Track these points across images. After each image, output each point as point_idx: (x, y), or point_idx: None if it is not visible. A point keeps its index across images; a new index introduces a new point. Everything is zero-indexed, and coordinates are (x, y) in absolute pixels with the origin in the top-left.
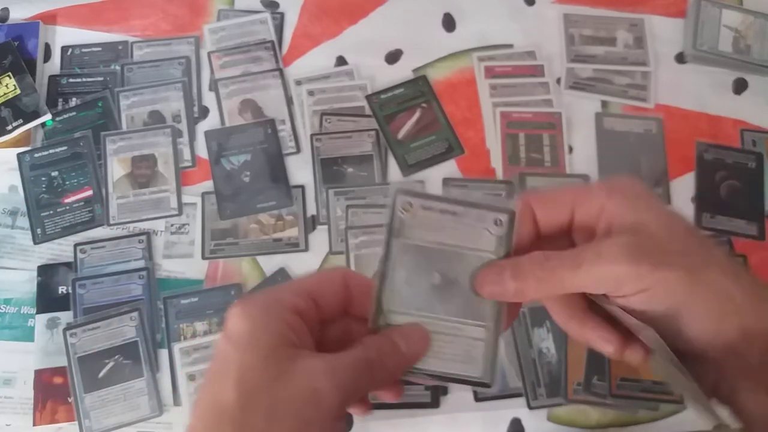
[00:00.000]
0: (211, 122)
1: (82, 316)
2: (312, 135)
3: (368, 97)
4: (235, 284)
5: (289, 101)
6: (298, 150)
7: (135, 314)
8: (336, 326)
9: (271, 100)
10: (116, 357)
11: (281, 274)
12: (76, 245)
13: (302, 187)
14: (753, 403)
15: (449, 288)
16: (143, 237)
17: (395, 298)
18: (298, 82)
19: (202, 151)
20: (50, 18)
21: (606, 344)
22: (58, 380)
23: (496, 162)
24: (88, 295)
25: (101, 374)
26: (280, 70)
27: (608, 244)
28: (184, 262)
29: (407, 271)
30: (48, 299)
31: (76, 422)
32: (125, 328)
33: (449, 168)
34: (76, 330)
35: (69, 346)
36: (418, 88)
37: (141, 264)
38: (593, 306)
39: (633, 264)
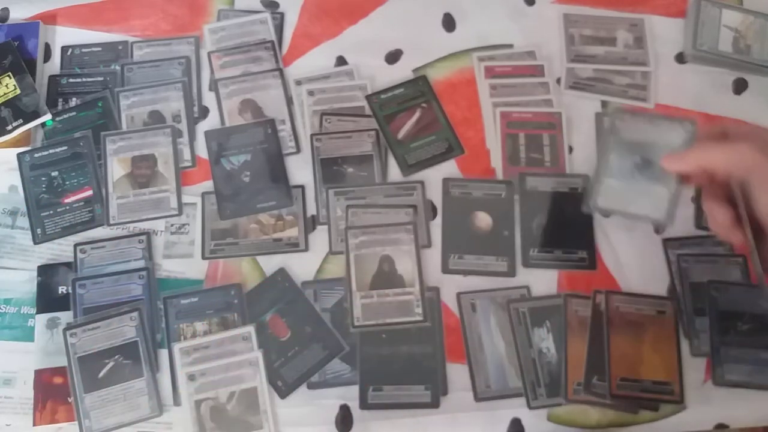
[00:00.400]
0: (211, 122)
1: (82, 316)
2: (312, 135)
3: (368, 97)
4: (235, 284)
5: (289, 101)
6: (298, 150)
7: (135, 314)
8: None
9: (271, 100)
10: (116, 357)
11: (281, 274)
12: (76, 245)
13: (302, 187)
14: None
15: (646, 165)
16: (143, 237)
17: (610, 169)
18: (298, 82)
19: (202, 151)
20: (50, 18)
21: (722, 214)
22: (58, 380)
23: (496, 162)
24: (88, 295)
25: (101, 374)
26: (280, 70)
27: (742, 142)
28: (184, 262)
29: (618, 155)
30: (48, 299)
31: (76, 422)
32: (125, 328)
33: (449, 168)
34: (76, 330)
35: (69, 346)
36: (418, 88)
37: (141, 264)
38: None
39: (759, 152)
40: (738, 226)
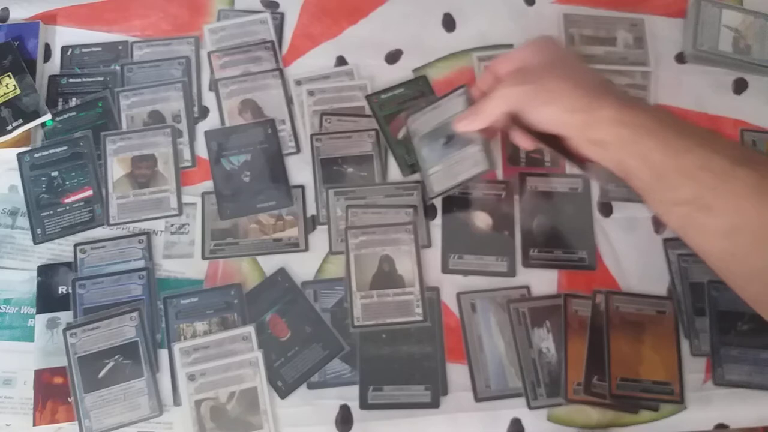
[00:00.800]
0: (211, 122)
1: (82, 316)
2: (312, 135)
3: (368, 97)
4: (235, 284)
5: (289, 101)
6: (298, 150)
7: (135, 314)
8: None
9: (271, 100)
10: (116, 357)
11: (281, 274)
12: (76, 245)
13: (302, 187)
14: (586, 152)
15: (450, 141)
16: (143, 237)
17: (427, 161)
18: (298, 82)
19: (202, 151)
20: (50, 18)
21: (525, 143)
22: (58, 380)
23: (497, 162)
24: (88, 295)
25: (101, 374)
26: (280, 70)
27: (506, 79)
28: (184, 262)
29: (428, 147)
30: (48, 299)
31: (76, 422)
32: (125, 328)
33: None
34: (76, 330)
35: (69, 346)
36: (419, 88)
37: (141, 264)
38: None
39: (510, 87)
40: (538, 142)
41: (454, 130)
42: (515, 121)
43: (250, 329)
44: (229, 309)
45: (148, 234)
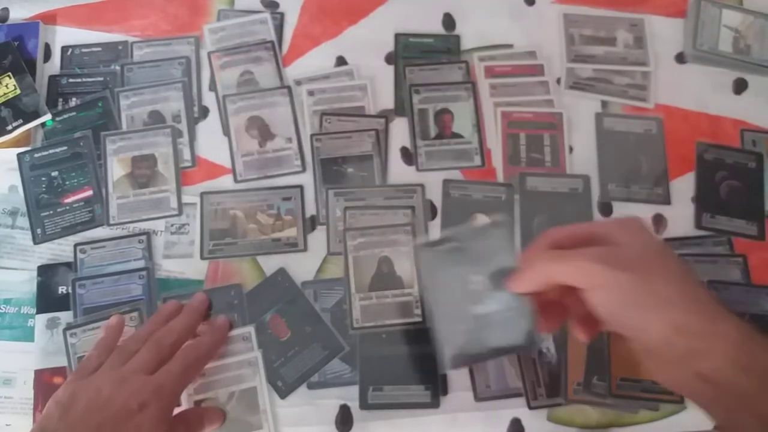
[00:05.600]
0: (211, 122)
1: (82, 316)
2: (312, 135)
3: (397, 36)
4: (235, 284)
5: (296, 119)
6: (304, 169)
7: (135, 314)
8: None
9: (279, 117)
10: None
11: (281, 273)
12: (76, 245)
13: (301, 187)
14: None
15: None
16: (143, 237)
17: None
18: (298, 82)
19: (202, 151)
20: (50, 18)
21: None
22: (58, 380)
23: (497, 162)
24: (88, 295)
25: None
26: (289, 88)
27: (590, 249)
28: (184, 262)
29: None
30: (48, 299)
31: None
32: (125, 328)
33: None
34: (76, 330)
35: (69, 346)
36: (447, 45)
37: (141, 264)
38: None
39: (598, 263)
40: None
41: (497, 279)
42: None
43: (250, 329)
44: (229, 309)
45: (148, 234)
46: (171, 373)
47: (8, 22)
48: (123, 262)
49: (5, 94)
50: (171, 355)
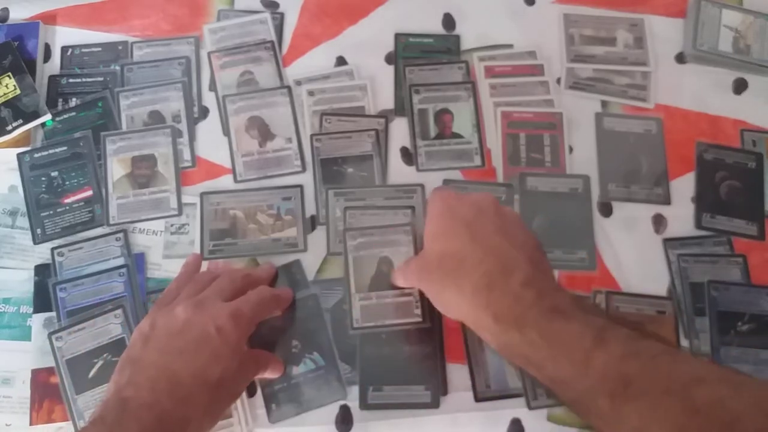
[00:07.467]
0: (211, 122)
1: (66, 319)
2: (312, 135)
3: (397, 36)
4: (296, 260)
5: (297, 119)
6: (304, 169)
7: (119, 311)
8: None
9: (279, 117)
10: (104, 355)
11: (283, 271)
12: (53, 249)
13: (301, 187)
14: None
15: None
16: (120, 235)
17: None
18: (298, 83)
19: (201, 151)
20: (50, 18)
21: None
22: (54, 380)
23: (497, 162)
24: (70, 297)
25: (91, 374)
26: (289, 88)
27: (414, 261)
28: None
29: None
30: (45, 299)
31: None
32: (111, 326)
33: None
34: (61, 333)
35: (56, 350)
36: (447, 45)
37: (120, 261)
38: None
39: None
40: None
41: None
42: None
43: None
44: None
45: (124, 231)
46: (248, 301)
47: (8, 22)
48: (102, 261)
49: (5, 94)
50: (244, 291)
